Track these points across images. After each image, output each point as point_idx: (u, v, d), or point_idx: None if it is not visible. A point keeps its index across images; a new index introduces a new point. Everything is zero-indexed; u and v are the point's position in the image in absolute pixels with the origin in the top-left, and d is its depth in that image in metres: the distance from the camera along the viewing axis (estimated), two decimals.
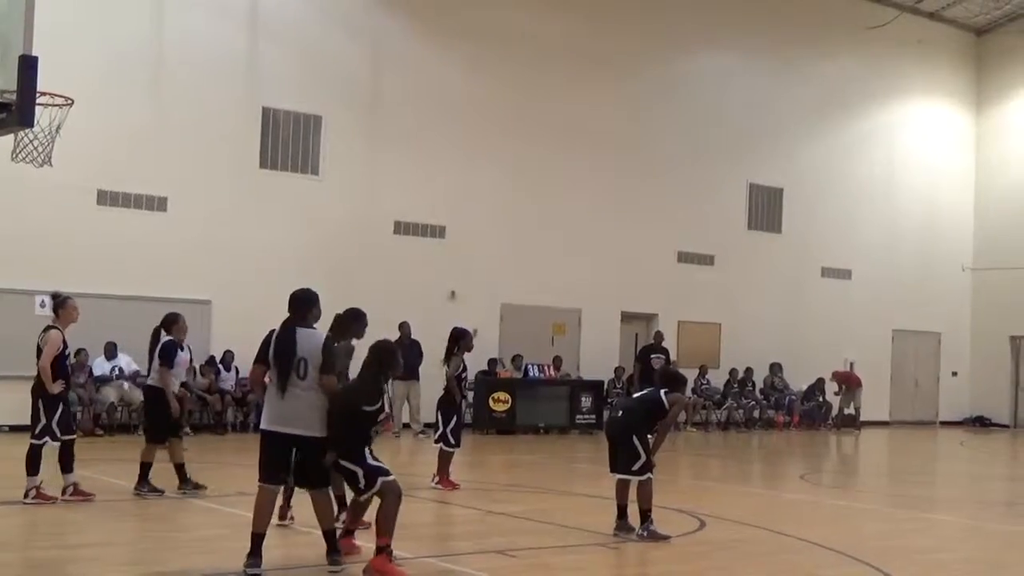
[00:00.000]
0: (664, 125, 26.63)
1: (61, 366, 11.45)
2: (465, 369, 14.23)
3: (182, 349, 12.45)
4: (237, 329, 20.08)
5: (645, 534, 10.65)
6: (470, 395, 23.22)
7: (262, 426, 8.56)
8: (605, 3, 25.70)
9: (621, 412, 11.13)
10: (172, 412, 12.19)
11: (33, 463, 11.39)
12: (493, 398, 22.61)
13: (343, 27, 22.68)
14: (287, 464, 8.52)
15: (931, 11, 31.35)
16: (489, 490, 14.04)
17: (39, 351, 11.48)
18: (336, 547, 8.60)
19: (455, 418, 13.85)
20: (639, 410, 10.92)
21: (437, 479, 13.69)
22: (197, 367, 20.19)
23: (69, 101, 12.45)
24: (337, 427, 8.42)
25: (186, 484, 12.37)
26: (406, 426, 21.75)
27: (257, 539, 8.36)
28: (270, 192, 21.60)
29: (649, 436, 10.87)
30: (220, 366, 20.73)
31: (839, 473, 20.66)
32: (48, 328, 11.57)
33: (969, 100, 32.90)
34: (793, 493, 15.97)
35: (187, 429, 19.65)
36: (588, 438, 22.73)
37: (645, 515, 10.66)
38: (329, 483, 8.72)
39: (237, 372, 20.71)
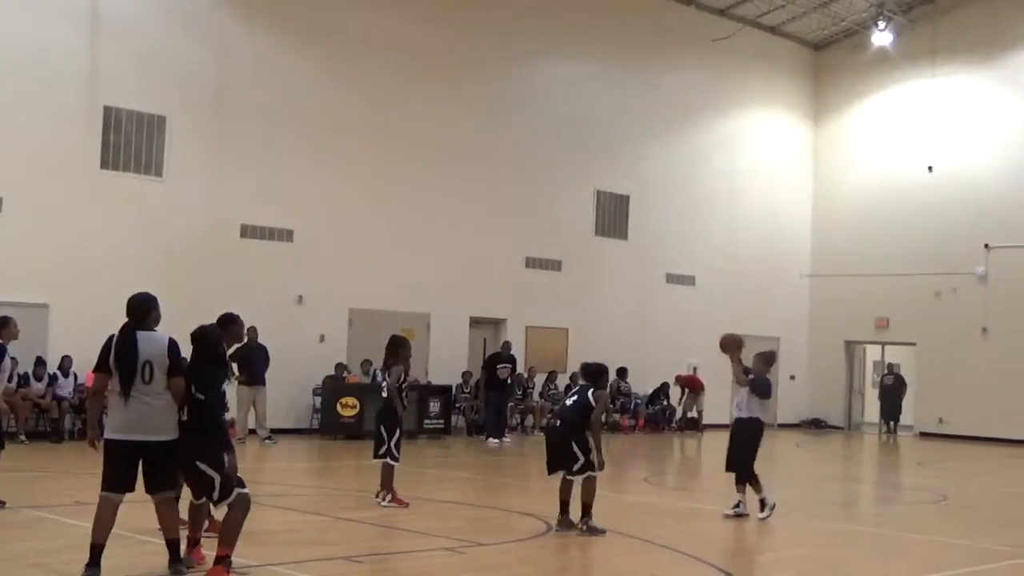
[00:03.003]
0: (512, 131, 26.81)
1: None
2: (406, 379, 13.50)
3: (7, 353, 11.99)
4: (76, 334, 19.52)
5: (585, 528, 11.35)
6: (317, 400, 23.13)
7: (106, 435, 8.33)
8: (453, 8, 25.74)
9: (559, 421, 11.94)
10: None
11: None
12: (341, 403, 22.40)
13: (187, 26, 22.19)
14: (134, 472, 8.33)
15: (772, 25, 32.26)
16: (337, 496, 13.91)
17: None
18: (179, 556, 8.44)
19: (398, 431, 13.10)
20: (574, 417, 11.66)
21: (388, 497, 12.91)
22: (29, 372, 19.62)
23: None
24: (190, 430, 8.31)
25: None
26: (252, 432, 21.42)
27: (96, 549, 8.15)
28: (111, 193, 21.01)
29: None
30: (58, 372, 20.10)
31: (682, 475, 21.07)
32: None
33: (808, 112, 33.95)
34: (637, 495, 16.23)
35: (23, 437, 19.08)
36: (436, 443, 22.72)
37: (586, 509, 11.42)
38: (175, 486, 8.56)
39: (76, 378, 20.12)
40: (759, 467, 13.41)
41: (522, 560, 10.35)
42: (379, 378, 13.41)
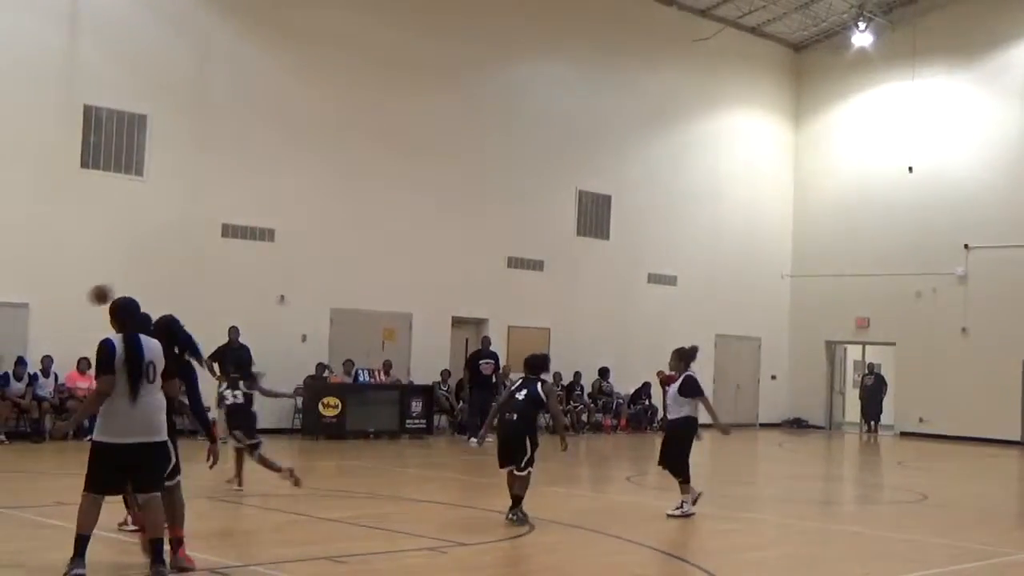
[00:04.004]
0: (495, 131, 26.81)
1: None
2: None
3: None
4: (56, 334, 19.48)
5: (515, 518, 11.75)
6: (299, 400, 23.02)
7: (103, 439, 8.26)
8: (436, 9, 25.74)
9: (516, 416, 12.05)
10: None
11: None
12: (323, 403, 22.37)
13: (168, 25, 22.13)
14: (122, 475, 8.37)
15: (752, 26, 32.34)
16: (319, 496, 13.89)
17: None
18: (160, 557, 8.41)
19: None
20: (528, 411, 12.06)
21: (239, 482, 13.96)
22: (9, 372, 19.53)
23: None
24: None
25: None
26: None
27: (81, 541, 8.12)
28: (92, 193, 20.94)
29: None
30: (38, 372, 19.99)
31: (664, 475, 21.05)
32: None
33: (788, 112, 34.04)
34: (620, 495, 16.27)
35: (3, 437, 19.00)
36: (418, 443, 22.71)
37: (517, 500, 11.90)
38: (163, 487, 8.57)
39: (56, 378, 20.03)
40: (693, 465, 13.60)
41: (504, 560, 10.36)
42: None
